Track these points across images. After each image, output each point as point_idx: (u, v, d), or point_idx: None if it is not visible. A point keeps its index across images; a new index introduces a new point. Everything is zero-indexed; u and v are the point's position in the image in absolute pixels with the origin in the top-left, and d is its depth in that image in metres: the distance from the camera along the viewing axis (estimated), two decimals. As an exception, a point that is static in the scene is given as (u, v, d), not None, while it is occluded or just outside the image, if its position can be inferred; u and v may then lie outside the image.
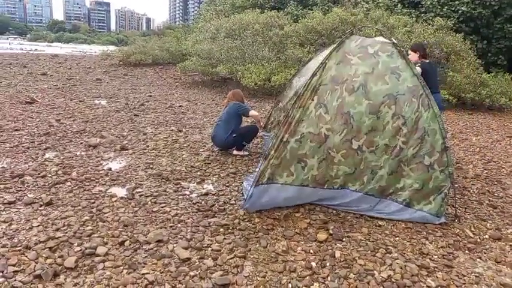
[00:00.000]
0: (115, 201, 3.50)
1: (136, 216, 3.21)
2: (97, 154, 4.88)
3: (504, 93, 9.65)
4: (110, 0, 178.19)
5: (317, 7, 16.69)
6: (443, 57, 10.25)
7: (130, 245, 2.76)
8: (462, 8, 14.53)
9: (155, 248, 2.71)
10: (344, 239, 2.99)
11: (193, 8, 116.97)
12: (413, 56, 4.78)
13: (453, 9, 14.69)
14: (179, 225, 3.08)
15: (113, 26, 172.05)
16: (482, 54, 13.26)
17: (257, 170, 4.42)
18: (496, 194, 4.08)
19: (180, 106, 8.98)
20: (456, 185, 4.30)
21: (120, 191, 3.76)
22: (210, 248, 2.76)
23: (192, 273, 2.45)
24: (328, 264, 2.63)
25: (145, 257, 2.61)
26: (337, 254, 2.75)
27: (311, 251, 2.81)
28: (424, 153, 3.20)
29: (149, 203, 3.47)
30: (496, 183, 4.45)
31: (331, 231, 3.08)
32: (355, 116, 3.21)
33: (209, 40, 13.83)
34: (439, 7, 14.85)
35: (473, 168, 4.97)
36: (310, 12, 15.16)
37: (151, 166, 4.52)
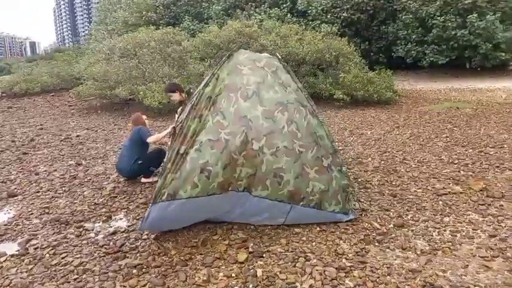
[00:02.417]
0: (4, 261, 3.01)
1: (32, 275, 2.78)
2: (-23, 207, 4.18)
3: (388, 88, 10.77)
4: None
5: (212, 21, 16.89)
6: (333, 60, 11.09)
7: (25, 312, 2.37)
8: (343, 14, 15.99)
9: (57, 310, 2.37)
10: (264, 255, 2.95)
11: (83, 27, 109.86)
12: (177, 96, 4.86)
13: (336, 15, 16.09)
14: (84, 275, 2.74)
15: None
16: (365, 54, 14.71)
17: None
18: (394, 183, 4.45)
19: (78, 136, 8.25)
20: (359, 180, 4.62)
21: (10, 248, 3.25)
22: (123, 296, 2.50)
23: (103, 331, 2.18)
24: (250, 286, 2.57)
25: (46, 323, 2.26)
26: (259, 272, 2.70)
27: (233, 275, 2.72)
28: (321, 156, 3.35)
29: (47, 255, 3.05)
30: (392, 172, 4.86)
31: (251, 249, 3.03)
32: (253, 120, 3.26)
33: (103, 62, 13.04)
34: (324, 14, 16.13)
35: (372, 161, 5.38)
36: (206, 26, 15.27)
37: (47, 211, 4.02)
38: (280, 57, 3.67)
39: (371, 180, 4.56)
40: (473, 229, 3.28)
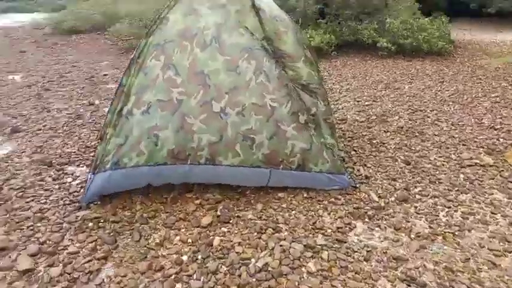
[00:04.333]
0: (-28, 201, 2.96)
1: (-11, 218, 2.70)
2: (-22, 141, 4.23)
3: (442, 37, 9.43)
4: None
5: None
6: (382, 3, 9.83)
7: (-34, 258, 2.28)
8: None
9: (-5, 260, 2.25)
10: (231, 220, 2.63)
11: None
12: None
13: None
14: (39, 224, 2.61)
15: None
16: (423, -3, 12.93)
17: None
18: (413, 148, 3.83)
19: (105, 75, 8.19)
20: (374, 141, 4.05)
21: (-13, 187, 3.21)
22: (66, 251, 2.33)
23: (26, 289, 2.03)
24: (199, 256, 2.28)
25: (-23, 273, 2.15)
26: (216, 241, 2.40)
27: (189, 241, 2.44)
28: (297, 111, 2.83)
29: (14, 198, 2.96)
30: (417, 134, 4.21)
31: (219, 212, 2.72)
32: (211, 75, 2.76)
33: (139, -2, 12.71)
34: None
35: (398, 120, 4.71)
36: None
37: (39, 150, 3.95)
38: None
39: (387, 143, 3.97)
40: (491, 212, 2.71)
